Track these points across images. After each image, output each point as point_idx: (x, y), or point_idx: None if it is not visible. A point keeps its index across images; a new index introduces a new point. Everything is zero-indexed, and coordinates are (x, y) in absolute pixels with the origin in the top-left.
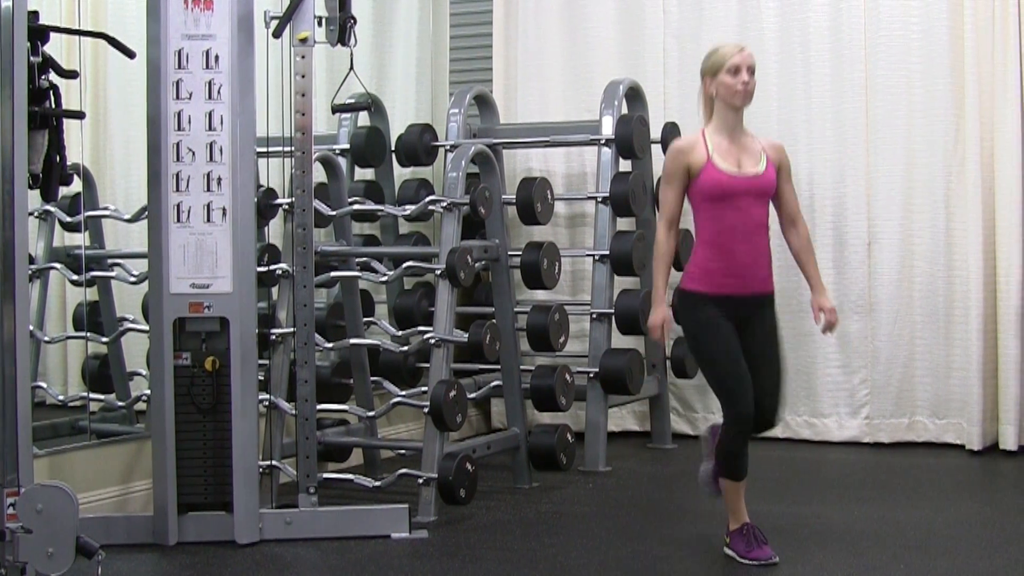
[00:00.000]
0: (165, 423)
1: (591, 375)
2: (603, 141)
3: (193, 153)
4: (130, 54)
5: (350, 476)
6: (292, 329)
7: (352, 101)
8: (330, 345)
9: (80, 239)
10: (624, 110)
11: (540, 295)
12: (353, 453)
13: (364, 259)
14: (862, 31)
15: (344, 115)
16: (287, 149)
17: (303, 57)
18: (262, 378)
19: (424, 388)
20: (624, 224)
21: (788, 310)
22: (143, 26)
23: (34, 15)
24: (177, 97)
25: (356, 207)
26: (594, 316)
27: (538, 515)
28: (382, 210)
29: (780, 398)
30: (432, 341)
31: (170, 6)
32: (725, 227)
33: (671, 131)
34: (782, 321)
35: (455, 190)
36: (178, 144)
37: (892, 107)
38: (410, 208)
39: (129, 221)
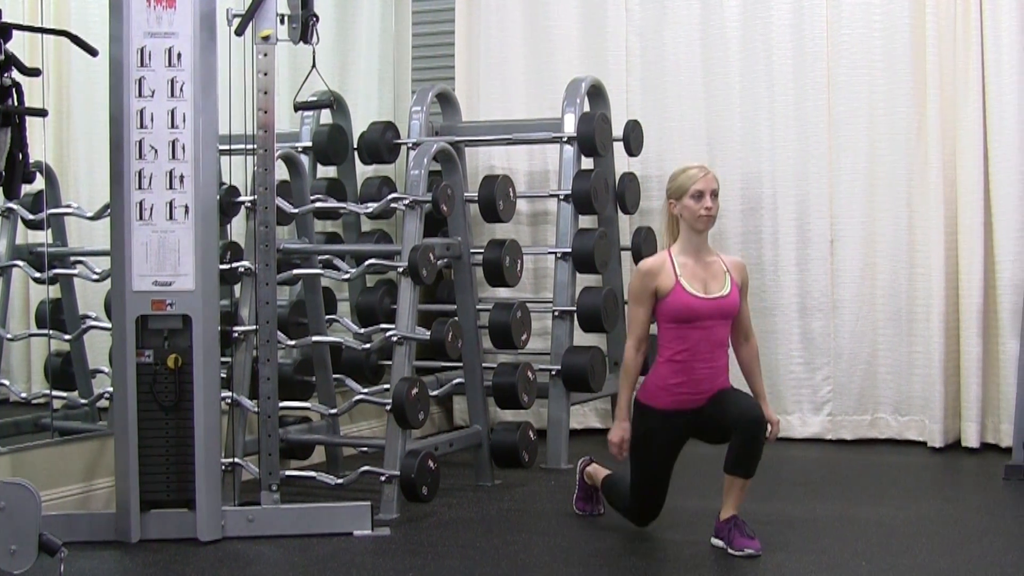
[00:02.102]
0: (127, 421)
1: (553, 372)
2: (565, 139)
3: (156, 151)
4: (93, 52)
5: (312, 474)
6: (255, 327)
7: (314, 99)
8: (292, 343)
9: (43, 237)
10: (586, 108)
11: (502, 293)
12: (315, 451)
13: (326, 257)
14: (824, 29)
15: (306, 113)
16: (249, 147)
17: (265, 55)
18: (224, 375)
19: (386, 386)
20: (586, 222)
21: (752, 309)
22: (106, 24)
23: None
24: (140, 95)
25: (318, 205)
26: (556, 314)
27: (500, 512)
28: (344, 208)
29: (756, 403)
30: (394, 339)
31: (132, 4)
32: (689, 346)
33: (633, 129)
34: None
35: (417, 188)
36: (141, 142)
37: (854, 105)
38: (372, 206)
39: (92, 219)
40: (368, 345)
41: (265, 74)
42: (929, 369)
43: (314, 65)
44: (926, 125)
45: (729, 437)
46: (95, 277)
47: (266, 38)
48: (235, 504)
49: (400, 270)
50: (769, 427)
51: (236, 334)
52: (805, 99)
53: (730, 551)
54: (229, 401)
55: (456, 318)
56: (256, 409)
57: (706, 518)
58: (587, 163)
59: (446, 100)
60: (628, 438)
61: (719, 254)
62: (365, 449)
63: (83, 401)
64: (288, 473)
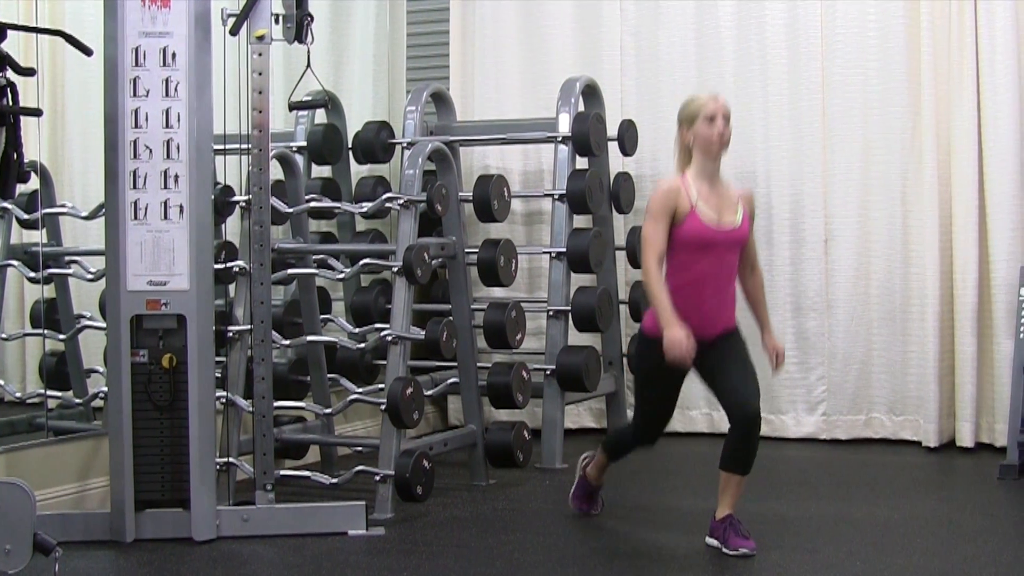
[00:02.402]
0: (122, 420)
1: (548, 372)
2: (560, 139)
3: (150, 150)
4: (87, 51)
5: (307, 473)
6: (249, 326)
7: (309, 98)
8: (287, 342)
9: (37, 236)
10: (581, 107)
11: (497, 292)
12: (310, 450)
13: (321, 256)
14: (819, 29)
15: (301, 112)
16: (244, 146)
17: (260, 55)
18: (219, 375)
19: (381, 385)
20: (580, 221)
21: (744, 305)
22: (100, 23)
23: None
24: (134, 94)
25: (313, 204)
26: (551, 313)
27: (495, 512)
28: (339, 207)
29: (757, 388)
30: (389, 338)
31: (127, 4)
32: (696, 275)
33: (628, 128)
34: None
35: (412, 187)
36: (135, 142)
37: (849, 105)
38: (367, 205)
39: (86, 218)
40: (363, 345)
41: (260, 74)
42: (923, 369)
43: (308, 65)
44: (920, 124)
45: (723, 398)
46: (90, 277)
47: (261, 38)
48: (230, 504)
49: (395, 270)
50: (776, 358)
51: (231, 334)
52: (799, 98)
53: (725, 551)
54: (224, 401)
55: (451, 318)
56: (251, 409)
57: (701, 517)
58: (582, 163)
59: (440, 100)
60: (690, 333)
61: (730, 183)
62: (360, 449)
63: (78, 401)
64: (283, 473)
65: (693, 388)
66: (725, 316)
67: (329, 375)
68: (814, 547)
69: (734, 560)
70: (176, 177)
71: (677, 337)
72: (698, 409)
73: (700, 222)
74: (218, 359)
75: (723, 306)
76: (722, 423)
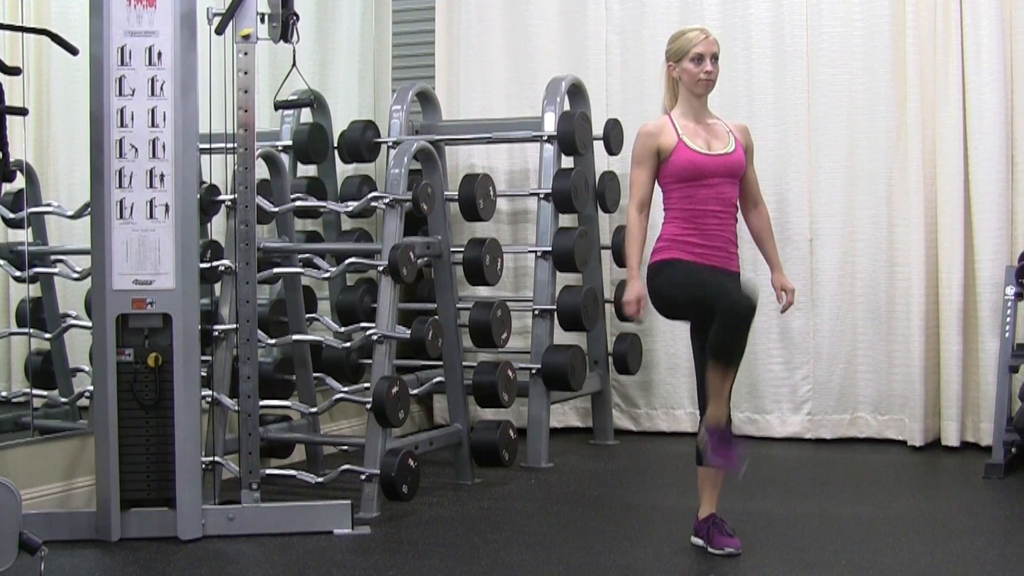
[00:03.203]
0: (108, 419)
1: (533, 371)
2: (545, 138)
3: (136, 149)
4: (73, 51)
5: (293, 472)
6: (235, 325)
7: (295, 98)
8: (273, 341)
9: (23, 235)
10: (566, 106)
11: (482, 291)
12: (296, 449)
13: (307, 255)
14: (804, 28)
15: (287, 111)
16: (230, 145)
17: (246, 54)
18: (205, 374)
19: (367, 384)
20: (566, 220)
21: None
22: (86, 23)
23: None
24: (120, 94)
25: (299, 203)
26: (536, 312)
27: (480, 511)
28: (324, 206)
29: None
30: (375, 337)
31: (113, 3)
32: (698, 205)
33: (613, 127)
34: None
35: (397, 186)
36: (121, 140)
37: (834, 105)
38: (352, 204)
39: (72, 217)
40: (348, 344)
41: (245, 73)
42: (909, 368)
43: (294, 64)
44: (906, 124)
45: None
46: (75, 276)
47: (246, 37)
48: (215, 503)
49: (380, 269)
50: (784, 294)
51: (216, 333)
52: (785, 98)
53: (710, 550)
54: (209, 400)
55: (436, 317)
56: (236, 408)
57: (687, 516)
58: (567, 162)
59: (426, 99)
60: (645, 295)
61: (720, 117)
62: (345, 448)
63: (63, 400)
64: (268, 472)
65: (678, 387)
66: (730, 253)
67: (315, 374)
68: (800, 546)
69: (720, 559)
70: (162, 176)
71: (632, 295)
72: (683, 408)
73: (689, 150)
74: (204, 358)
75: (728, 239)
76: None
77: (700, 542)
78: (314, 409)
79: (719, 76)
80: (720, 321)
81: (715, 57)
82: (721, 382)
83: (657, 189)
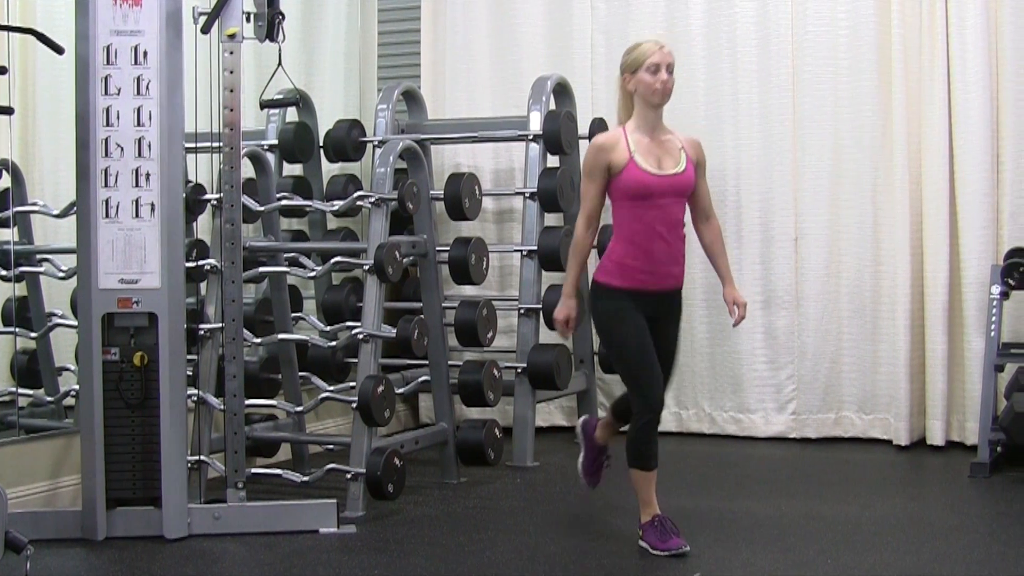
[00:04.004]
0: (94, 418)
1: (519, 370)
2: (531, 137)
3: (122, 149)
4: (59, 50)
5: (278, 471)
6: (220, 324)
7: (280, 97)
8: (258, 340)
9: (9, 234)
10: (552, 106)
11: (468, 291)
12: (281, 448)
13: (292, 255)
14: (789, 26)
15: (272, 111)
16: (215, 145)
17: (231, 53)
18: (190, 373)
19: (352, 383)
20: (552, 220)
21: (714, 303)
22: (72, 22)
23: None
24: (106, 93)
25: (284, 203)
26: (522, 311)
27: (466, 510)
28: (310, 206)
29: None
30: (360, 336)
31: (99, 2)
32: (644, 225)
33: (599, 126)
34: (706, 316)
35: (383, 186)
36: (107, 140)
37: (819, 102)
38: (338, 204)
39: (58, 217)
40: (334, 343)
41: (231, 72)
42: (894, 367)
43: (280, 63)
44: (891, 122)
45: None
46: (61, 275)
47: (232, 36)
48: (201, 502)
49: (366, 268)
50: (736, 308)
51: (202, 332)
52: (769, 96)
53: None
54: (195, 399)
55: (422, 316)
56: (222, 407)
57: (672, 514)
58: (553, 161)
59: (412, 98)
60: (575, 316)
61: (674, 131)
62: (331, 447)
63: (49, 399)
64: (254, 471)
65: None
66: (675, 271)
67: (300, 373)
68: (785, 545)
69: (704, 557)
70: (147, 175)
71: (561, 314)
72: (666, 408)
73: (639, 170)
74: (189, 357)
75: (673, 259)
76: (690, 422)
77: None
78: (300, 408)
79: (705, 77)
80: (634, 422)
81: (670, 67)
82: (647, 485)
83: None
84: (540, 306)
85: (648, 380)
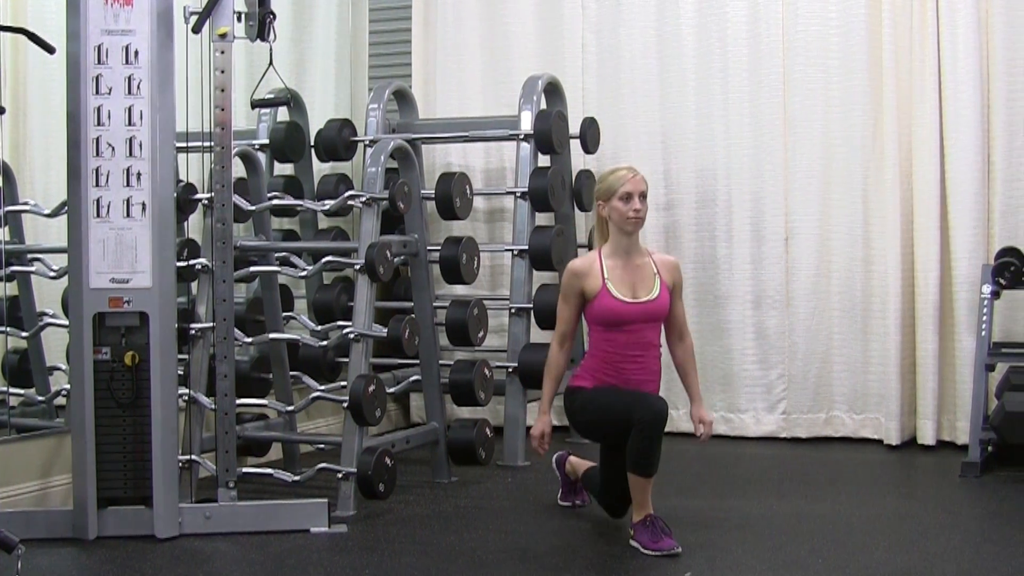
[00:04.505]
0: (85, 418)
1: (510, 370)
2: (522, 136)
3: (113, 148)
4: (50, 49)
5: (269, 471)
6: (212, 324)
7: (271, 96)
8: (249, 340)
9: None
10: (543, 105)
11: (459, 290)
12: (272, 448)
13: (283, 254)
14: (780, 26)
15: (263, 110)
16: (207, 144)
17: (222, 52)
18: (182, 373)
19: (343, 383)
20: (543, 219)
21: (704, 302)
22: (63, 21)
23: None
24: (97, 92)
25: (275, 202)
26: (513, 311)
27: (457, 509)
28: (301, 205)
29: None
30: (351, 336)
31: (90, 1)
32: (617, 348)
33: (590, 126)
34: (696, 316)
35: (374, 185)
36: (98, 139)
37: (810, 103)
38: (329, 203)
39: (49, 216)
40: (325, 342)
41: (222, 71)
42: (885, 366)
43: (271, 62)
44: (882, 122)
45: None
46: (52, 274)
47: (223, 35)
48: (192, 501)
49: (357, 267)
50: (702, 426)
51: (193, 331)
52: (760, 96)
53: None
54: (186, 398)
55: (413, 315)
56: (213, 406)
57: (663, 514)
58: (544, 160)
59: (403, 97)
60: (549, 432)
61: (652, 253)
62: (322, 446)
63: (40, 398)
64: (245, 470)
65: None
66: (650, 387)
67: (291, 372)
68: (775, 545)
69: (695, 557)
70: (138, 175)
71: (538, 431)
72: None
73: (611, 299)
74: (180, 356)
75: (646, 379)
76: (682, 422)
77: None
78: (291, 407)
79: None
80: (637, 434)
81: (643, 195)
82: (643, 490)
83: None
84: (531, 305)
85: (634, 401)
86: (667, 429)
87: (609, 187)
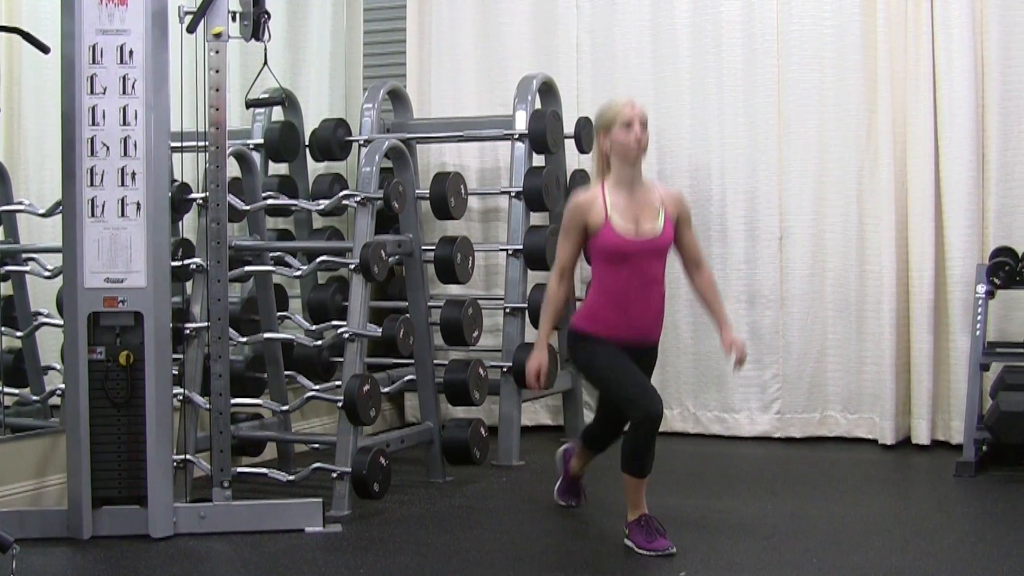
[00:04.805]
0: (79, 417)
1: (504, 369)
2: (516, 136)
3: (107, 148)
4: (45, 49)
5: (264, 470)
6: (206, 323)
7: (266, 96)
8: (244, 339)
9: None
10: (537, 105)
11: (454, 290)
12: (267, 447)
13: (278, 254)
14: (775, 25)
15: (258, 110)
16: (201, 144)
17: (217, 52)
18: (176, 372)
19: (338, 382)
20: (537, 219)
21: (698, 304)
22: (58, 21)
23: None
24: (92, 92)
25: (270, 202)
26: (507, 310)
27: (451, 509)
28: (296, 205)
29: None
30: (346, 335)
31: (84, 1)
32: (620, 282)
33: (584, 126)
34: (690, 315)
35: (369, 185)
36: (92, 139)
37: (804, 101)
38: (324, 203)
39: (44, 216)
40: (320, 342)
41: (217, 71)
42: (879, 366)
43: (265, 62)
44: (877, 121)
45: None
46: (47, 274)
47: (218, 35)
48: (187, 500)
49: (352, 267)
50: (735, 351)
51: (188, 331)
52: (755, 95)
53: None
54: (181, 398)
55: (407, 315)
56: (208, 406)
57: (658, 514)
58: (538, 160)
59: (397, 97)
60: (546, 366)
61: (656, 185)
62: (316, 446)
63: (35, 398)
64: (240, 470)
65: None
66: (651, 327)
67: (286, 372)
68: (771, 544)
69: (690, 557)
70: (133, 174)
71: (534, 366)
72: None
73: (614, 233)
74: (175, 356)
75: (649, 315)
76: (675, 422)
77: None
78: (285, 407)
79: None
80: (632, 432)
81: (644, 123)
82: (637, 490)
83: None
84: (526, 305)
85: (640, 393)
86: (661, 429)
87: (609, 119)
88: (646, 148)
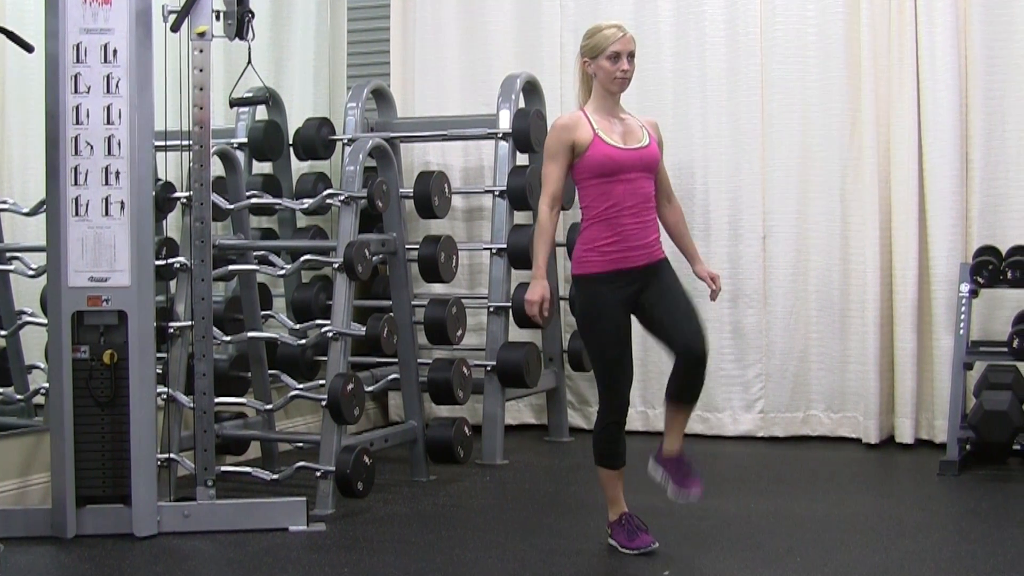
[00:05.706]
0: (63, 416)
1: (488, 368)
2: (500, 135)
3: (91, 147)
4: (29, 48)
5: (248, 469)
6: (190, 322)
7: (250, 95)
8: (228, 338)
9: None
10: (521, 104)
11: (437, 288)
12: (251, 446)
13: (262, 253)
14: (758, 24)
15: (242, 109)
16: (185, 143)
17: (201, 51)
18: (160, 371)
19: (322, 381)
20: (521, 218)
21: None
22: (42, 20)
23: None
24: (76, 91)
25: (254, 201)
26: (491, 309)
27: (435, 508)
28: (280, 204)
29: (701, 326)
30: (330, 334)
31: (68, 0)
32: (615, 202)
33: None
34: None
35: (353, 184)
36: (76, 138)
37: (788, 100)
38: (308, 202)
39: (27, 215)
40: (303, 341)
41: (200, 70)
42: (863, 365)
43: (249, 61)
44: (860, 120)
45: (669, 344)
46: (31, 273)
47: (202, 34)
48: (171, 500)
49: (335, 266)
50: (713, 282)
51: (172, 330)
52: (738, 94)
53: (670, 494)
54: (165, 397)
55: (391, 314)
56: (192, 405)
57: (641, 513)
58: (522, 159)
59: (381, 96)
60: (548, 297)
61: (632, 114)
62: (300, 445)
63: (19, 397)
64: (224, 469)
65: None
66: (650, 244)
67: (270, 371)
68: (754, 543)
69: (675, 553)
70: (117, 173)
71: (535, 295)
72: (632, 407)
73: (605, 145)
74: (159, 355)
75: (647, 233)
76: (657, 421)
77: (660, 478)
78: (269, 406)
79: (673, 75)
80: (602, 423)
81: (631, 55)
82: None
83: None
84: (509, 304)
85: (618, 383)
86: (644, 428)
87: (596, 45)
88: (630, 81)
